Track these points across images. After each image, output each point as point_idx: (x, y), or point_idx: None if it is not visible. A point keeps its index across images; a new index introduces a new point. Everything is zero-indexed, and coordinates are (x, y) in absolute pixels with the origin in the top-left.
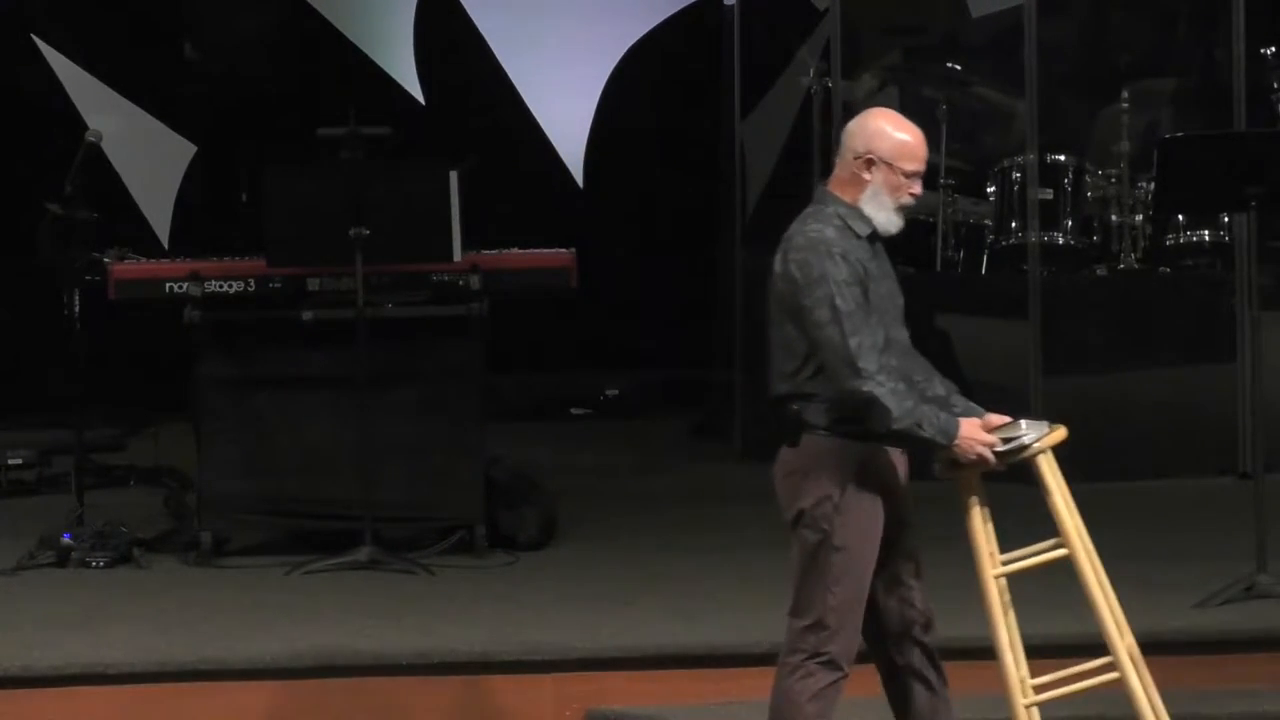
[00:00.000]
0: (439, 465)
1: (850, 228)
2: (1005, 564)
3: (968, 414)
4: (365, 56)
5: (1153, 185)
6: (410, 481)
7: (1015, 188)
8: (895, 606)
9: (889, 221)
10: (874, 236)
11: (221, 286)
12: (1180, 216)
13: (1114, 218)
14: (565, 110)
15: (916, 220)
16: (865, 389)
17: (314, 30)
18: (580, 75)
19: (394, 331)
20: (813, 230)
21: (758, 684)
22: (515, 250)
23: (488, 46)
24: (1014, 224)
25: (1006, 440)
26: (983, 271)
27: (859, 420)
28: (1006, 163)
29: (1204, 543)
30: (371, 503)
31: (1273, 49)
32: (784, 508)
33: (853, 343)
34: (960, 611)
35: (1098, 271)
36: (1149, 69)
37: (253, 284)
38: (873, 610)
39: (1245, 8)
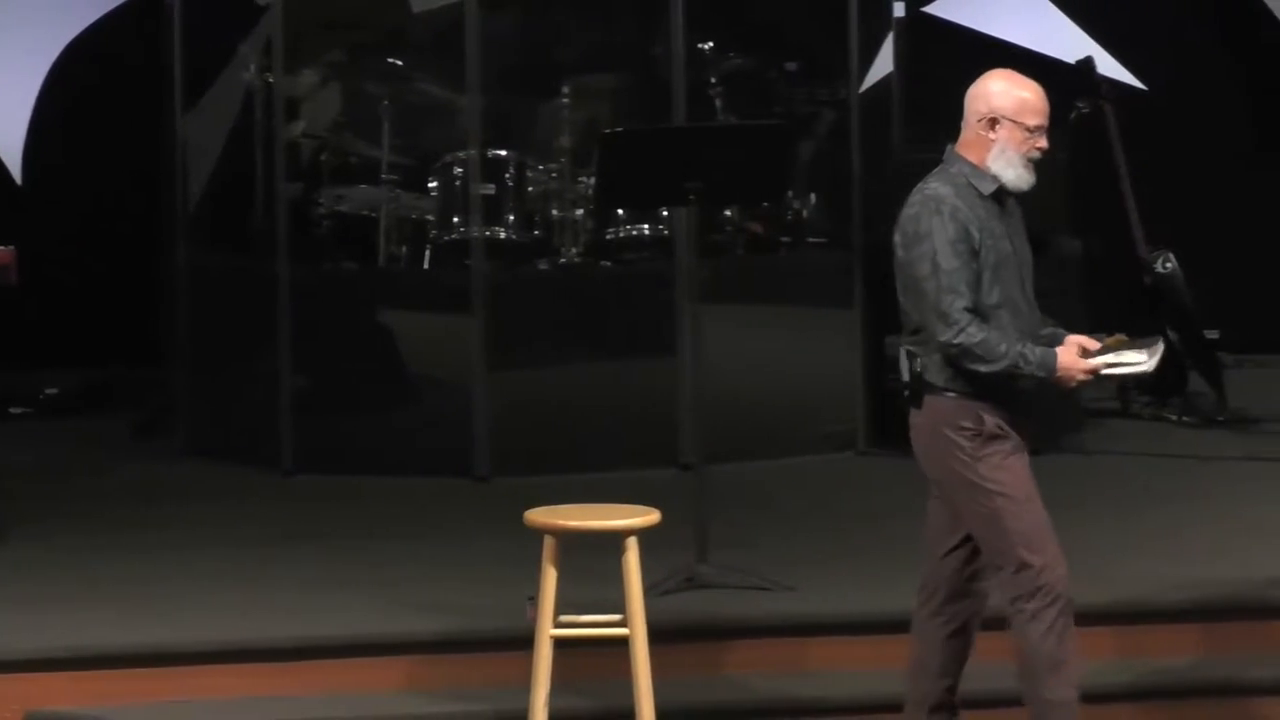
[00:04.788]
0: None
1: (974, 186)
2: (563, 626)
3: (1055, 342)
4: None
5: (594, 180)
6: None
7: (458, 183)
8: (957, 569)
9: (1018, 178)
10: (1001, 194)
11: None
12: (621, 211)
13: (556, 212)
14: (2, 107)
15: (359, 216)
16: (956, 340)
17: None
18: (17, 72)
19: None
20: (930, 189)
21: (206, 681)
22: None
23: None
24: (457, 219)
25: (1113, 365)
26: (426, 267)
27: (974, 375)
28: (449, 158)
29: (647, 534)
30: None
31: (711, 45)
32: (925, 469)
33: (946, 299)
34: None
35: (541, 266)
36: (590, 65)
37: None
38: (942, 563)
39: (684, 5)
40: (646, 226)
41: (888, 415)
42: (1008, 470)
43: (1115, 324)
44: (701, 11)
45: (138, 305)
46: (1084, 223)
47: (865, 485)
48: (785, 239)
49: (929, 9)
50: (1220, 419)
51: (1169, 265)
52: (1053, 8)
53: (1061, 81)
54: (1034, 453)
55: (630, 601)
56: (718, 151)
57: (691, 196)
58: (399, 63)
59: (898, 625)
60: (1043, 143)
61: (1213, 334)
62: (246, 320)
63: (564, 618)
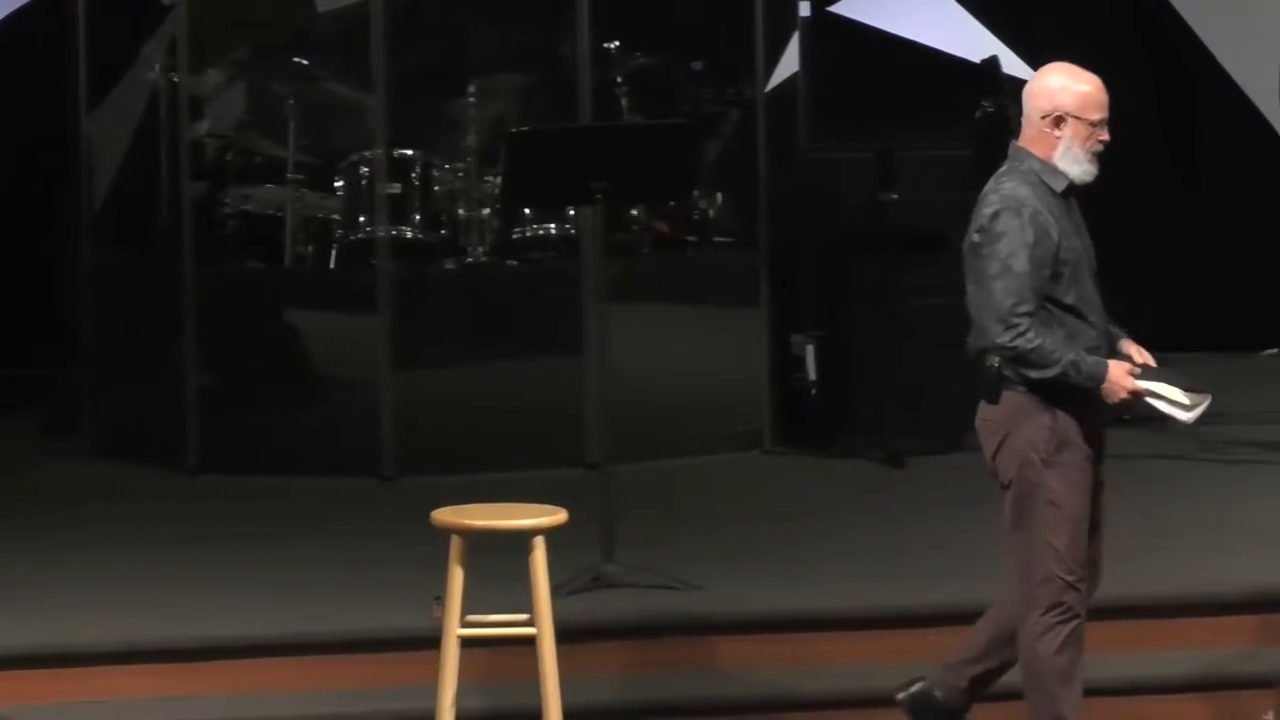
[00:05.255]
0: None
1: (1045, 183)
2: (470, 626)
3: (1114, 339)
4: None
5: (500, 179)
6: None
7: (364, 182)
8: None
9: (1084, 173)
10: (1068, 191)
11: None
12: (527, 210)
13: (462, 212)
14: None
15: (264, 215)
16: (1012, 343)
17: None
18: None
19: None
20: (1007, 188)
21: (112, 682)
22: None
23: None
24: (362, 218)
25: (1156, 395)
26: (331, 266)
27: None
28: (355, 157)
29: (554, 534)
30: None
31: (616, 44)
32: (989, 465)
33: (1009, 302)
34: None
35: (447, 265)
36: (496, 64)
37: None
38: None
39: (589, 5)
40: (553, 226)
41: (794, 414)
42: (1070, 485)
43: None
44: (607, 11)
45: (44, 304)
46: None
47: (771, 484)
48: (691, 238)
49: (834, 8)
50: (1125, 417)
51: None
52: (958, 7)
53: (966, 81)
54: (940, 451)
55: (537, 601)
56: (624, 151)
57: (598, 196)
58: (304, 62)
59: (806, 624)
60: (1105, 135)
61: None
62: (152, 320)
63: (471, 618)
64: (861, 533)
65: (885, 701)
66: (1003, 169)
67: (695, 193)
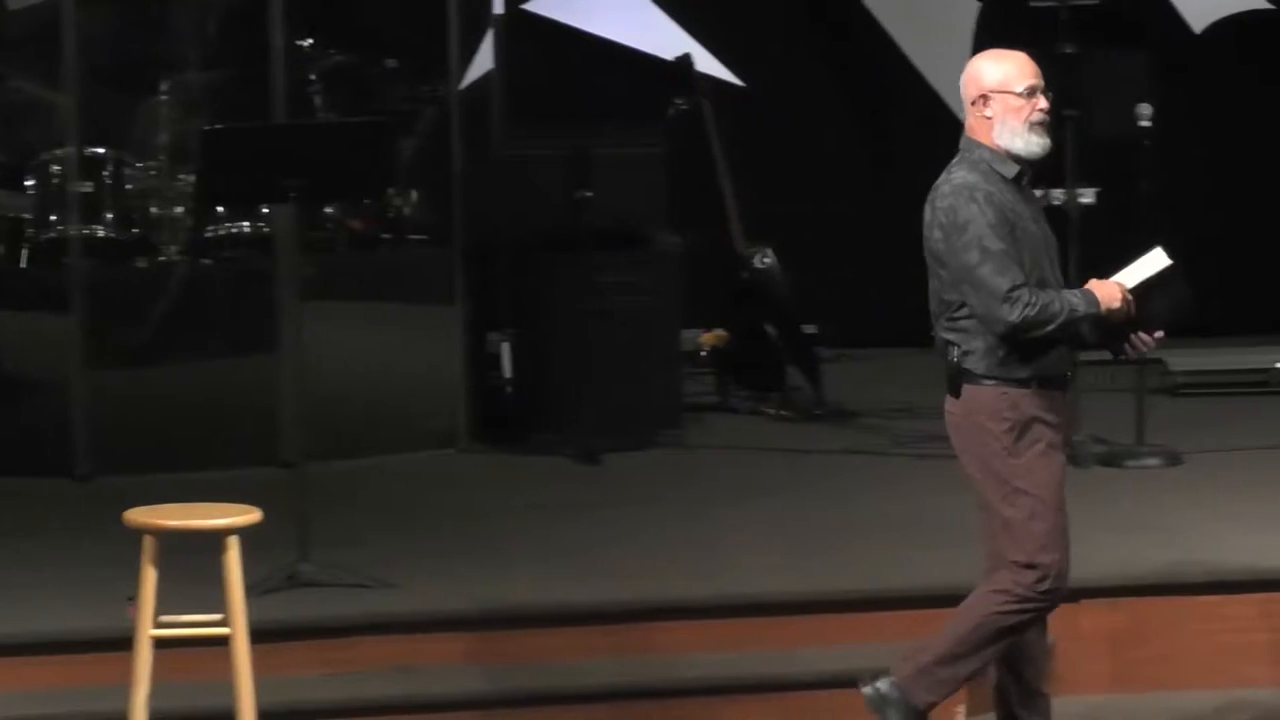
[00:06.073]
0: None
1: (996, 170)
2: (163, 626)
3: None
4: None
5: (194, 177)
6: None
7: (55, 180)
8: None
9: (1029, 144)
10: (1019, 177)
11: None
12: (221, 208)
13: (155, 210)
14: None
15: None
16: (1019, 316)
17: None
18: None
19: None
20: (957, 177)
21: None
22: None
23: None
24: (54, 217)
25: (1137, 275)
26: (23, 265)
27: (1015, 362)
28: (46, 156)
29: (251, 533)
30: None
31: (310, 42)
32: (960, 459)
33: (1003, 280)
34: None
35: (140, 264)
36: (189, 62)
37: None
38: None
39: (282, 2)
40: (247, 224)
41: (489, 412)
42: (1039, 472)
43: (714, 319)
44: (300, 8)
45: None
46: (683, 218)
47: (467, 482)
48: (387, 235)
49: (528, 6)
50: (818, 413)
51: (767, 260)
52: (651, 5)
53: (660, 78)
54: (634, 448)
55: (230, 601)
56: (318, 149)
57: (292, 194)
58: None
59: (502, 621)
60: (1043, 103)
61: (810, 328)
62: None
63: (164, 618)
64: (556, 529)
65: (589, 697)
66: (954, 160)
67: (390, 190)
